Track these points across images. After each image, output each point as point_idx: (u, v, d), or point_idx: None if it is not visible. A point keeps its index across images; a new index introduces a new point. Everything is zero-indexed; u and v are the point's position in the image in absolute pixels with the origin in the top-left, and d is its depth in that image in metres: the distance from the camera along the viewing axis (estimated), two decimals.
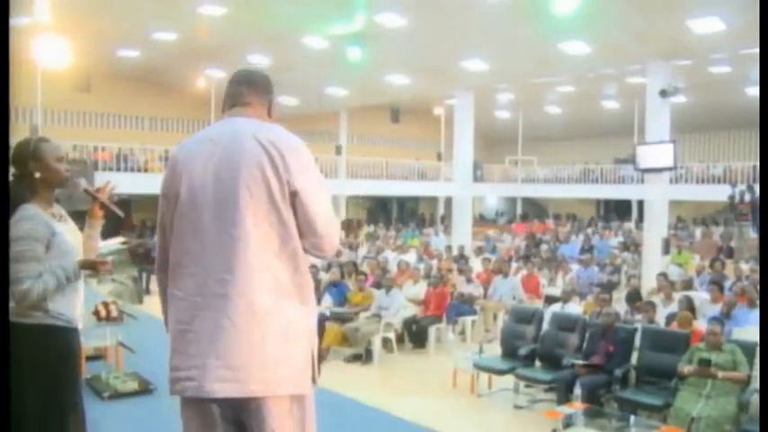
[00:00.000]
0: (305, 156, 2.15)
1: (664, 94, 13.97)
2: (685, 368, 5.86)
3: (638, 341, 6.71)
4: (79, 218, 3.10)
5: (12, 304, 2.71)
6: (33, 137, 2.97)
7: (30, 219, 2.75)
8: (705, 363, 5.73)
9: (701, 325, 7.11)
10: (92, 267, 2.90)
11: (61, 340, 2.83)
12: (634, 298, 8.86)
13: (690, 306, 7.87)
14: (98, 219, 3.11)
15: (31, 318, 2.77)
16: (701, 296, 9.41)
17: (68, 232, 2.92)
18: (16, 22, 13.51)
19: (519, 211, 28.41)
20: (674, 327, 7.28)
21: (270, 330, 2.03)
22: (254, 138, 2.08)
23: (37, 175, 2.83)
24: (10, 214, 2.76)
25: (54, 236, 2.80)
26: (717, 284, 9.31)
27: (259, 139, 2.08)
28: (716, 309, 8.16)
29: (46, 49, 13.17)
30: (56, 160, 2.88)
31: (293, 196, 2.06)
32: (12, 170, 2.87)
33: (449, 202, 21.99)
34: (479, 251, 16.66)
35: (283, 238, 2.07)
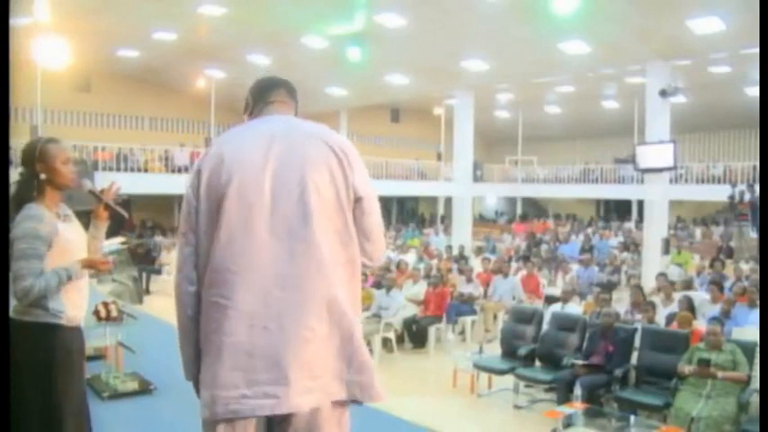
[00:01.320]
0: (360, 159, 2.11)
1: (664, 93, 13.98)
2: (685, 368, 5.86)
3: (637, 341, 6.70)
4: (81, 217, 3.11)
5: (14, 302, 2.73)
6: (41, 138, 2.99)
7: (33, 217, 2.77)
8: (705, 363, 5.72)
9: (700, 325, 7.11)
10: (93, 266, 2.92)
11: (60, 338, 2.84)
12: (639, 295, 8.74)
13: (690, 306, 7.87)
14: (103, 220, 3.13)
15: (30, 315, 2.79)
16: (700, 296, 9.40)
17: (72, 232, 2.95)
18: (16, 22, 13.52)
19: (519, 211, 28.40)
20: (674, 327, 7.28)
21: (346, 334, 1.96)
22: (321, 138, 2.01)
23: (43, 176, 2.85)
24: (16, 213, 2.78)
25: (57, 234, 2.82)
26: (717, 284, 9.31)
27: (325, 139, 2.01)
28: (716, 309, 8.17)
29: (46, 50, 13.16)
30: (62, 162, 2.90)
31: (356, 202, 2.02)
32: (19, 170, 2.90)
33: (449, 201, 21.99)
34: (479, 251, 16.66)
35: (345, 244, 1.99)
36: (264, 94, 2.20)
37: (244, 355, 1.86)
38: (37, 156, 2.86)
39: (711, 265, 12.45)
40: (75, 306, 2.93)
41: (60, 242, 2.82)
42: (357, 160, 2.05)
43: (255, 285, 1.88)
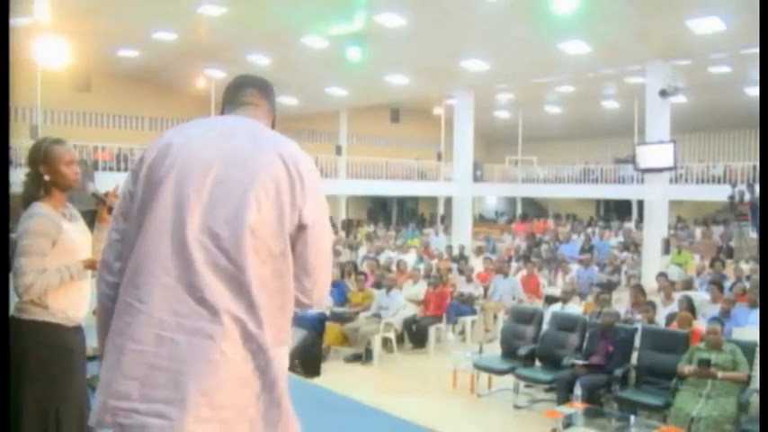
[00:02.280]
0: (318, 184, 1.83)
1: (663, 94, 13.98)
2: (685, 368, 5.86)
3: (637, 341, 6.70)
4: (85, 216, 3.14)
5: (14, 300, 2.75)
6: (47, 139, 3.01)
7: (37, 215, 2.80)
8: (705, 363, 5.73)
9: (700, 325, 7.10)
10: (95, 266, 2.93)
11: (60, 337, 2.85)
12: (639, 294, 8.74)
13: (689, 306, 7.86)
14: (106, 222, 3.16)
15: (28, 314, 2.81)
16: (700, 296, 9.40)
17: (77, 231, 2.97)
18: (16, 22, 13.52)
19: (519, 211, 28.40)
20: (674, 327, 7.28)
21: (252, 368, 1.68)
22: (275, 149, 1.77)
23: (47, 177, 2.88)
24: (23, 211, 2.82)
25: (61, 233, 2.84)
26: (717, 284, 9.31)
27: (281, 152, 1.76)
28: (716, 309, 8.16)
29: (46, 50, 13.17)
30: (66, 164, 2.91)
31: (300, 230, 1.75)
32: (26, 170, 2.94)
33: (449, 202, 21.99)
34: (479, 251, 16.67)
35: (278, 271, 1.74)
36: (234, 95, 2.04)
37: (144, 366, 1.64)
38: (41, 157, 2.89)
39: (711, 266, 12.46)
40: (76, 305, 2.94)
41: (64, 241, 2.85)
42: (312, 185, 1.78)
43: (169, 292, 1.67)
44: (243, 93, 2.03)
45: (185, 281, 1.66)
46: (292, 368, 7.28)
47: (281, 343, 1.79)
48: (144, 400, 1.63)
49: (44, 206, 2.84)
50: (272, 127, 2.04)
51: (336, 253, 14.61)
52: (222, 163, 1.73)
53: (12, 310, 2.81)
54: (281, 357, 1.76)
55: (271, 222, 1.71)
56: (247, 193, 1.69)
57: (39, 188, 2.88)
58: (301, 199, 1.74)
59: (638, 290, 8.88)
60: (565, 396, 6.33)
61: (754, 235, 14.47)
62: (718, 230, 20.29)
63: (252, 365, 1.68)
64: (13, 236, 2.82)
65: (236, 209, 1.68)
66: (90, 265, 2.92)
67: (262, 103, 2.04)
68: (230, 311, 1.65)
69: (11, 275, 2.73)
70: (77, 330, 2.97)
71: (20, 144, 16.32)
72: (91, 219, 3.15)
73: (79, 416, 2.92)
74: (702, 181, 20.75)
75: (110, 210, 3.11)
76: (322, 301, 2.26)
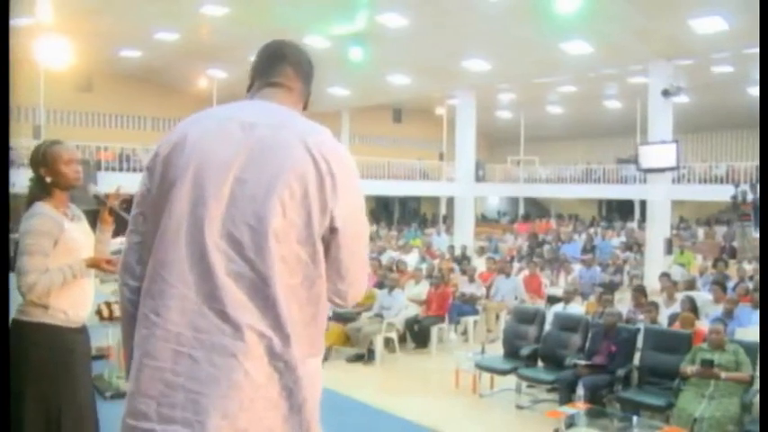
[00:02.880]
0: (354, 176, 1.64)
1: (666, 93, 13.97)
2: (688, 368, 5.85)
3: (640, 341, 6.69)
4: (87, 216, 3.15)
5: (17, 302, 2.75)
6: (46, 141, 3.04)
7: (39, 215, 2.82)
8: (708, 363, 5.71)
9: (703, 325, 7.09)
10: (98, 266, 2.95)
11: (60, 339, 2.85)
12: (640, 294, 8.72)
13: (692, 306, 7.85)
14: (108, 224, 3.20)
15: (29, 316, 2.81)
16: (703, 296, 9.39)
17: (79, 231, 2.99)
18: (19, 22, 13.56)
19: (521, 211, 28.38)
20: (677, 327, 7.27)
21: (279, 389, 1.54)
22: (303, 141, 1.56)
23: (48, 179, 2.90)
24: (24, 212, 2.85)
25: (63, 233, 2.85)
26: (720, 285, 9.29)
27: (308, 144, 1.55)
28: (719, 309, 8.15)
29: (48, 50, 13.20)
30: (65, 163, 2.93)
31: (332, 232, 1.58)
32: (30, 174, 2.96)
33: (451, 202, 22.00)
34: (481, 251, 16.66)
35: (310, 278, 1.57)
36: (265, 69, 1.80)
37: (162, 384, 1.51)
38: (41, 159, 2.92)
39: (714, 266, 12.45)
40: (78, 305, 2.94)
41: (66, 240, 2.86)
42: (345, 180, 1.57)
43: (186, 305, 1.52)
44: (275, 70, 1.79)
45: (205, 292, 1.51)
46: None
47: (314, 355, 1.63)
48: (161, 420, 1.50)
49: (46, 206, 2.86)
50: (305, 108, 1.83)
51: None
52: (243, 160, 1.54)
53: (14, 312, 2.81)
54: (312, 372, 1.60)
55: (298, 227, 1.53)
56: (270, 194, 1.50)
57: (41, 190, 2.90)
58: (332, 199, 1.55)
59: (640, 291, 8.86)
60: (567, 396, 6.32)
61: (756, 235, 14.45)
62: (720, 230, 20.28)
63: (279, 386, 1.53)
64: (14, 236, 2.82)
65: (259, 213, 1.50)
66: (92, 263, 2.93)
67: (296, 86, 1.80)
68: (254, 327, 1.50)
69: (11, 275, 2.72)
70: (80, 331, 2.97)
71: (22, 144, 16.39)
72: (93, 220, 3.16)
73: (81, 417, 2.92)
74: (705, 181, 20.72)
75: (110, 211, 3.14)
76: (356, 302, 1.84)
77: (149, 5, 14.34)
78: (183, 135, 1.63)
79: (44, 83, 15.12)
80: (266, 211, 1.50)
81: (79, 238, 2.96)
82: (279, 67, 1.78)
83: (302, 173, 1.52)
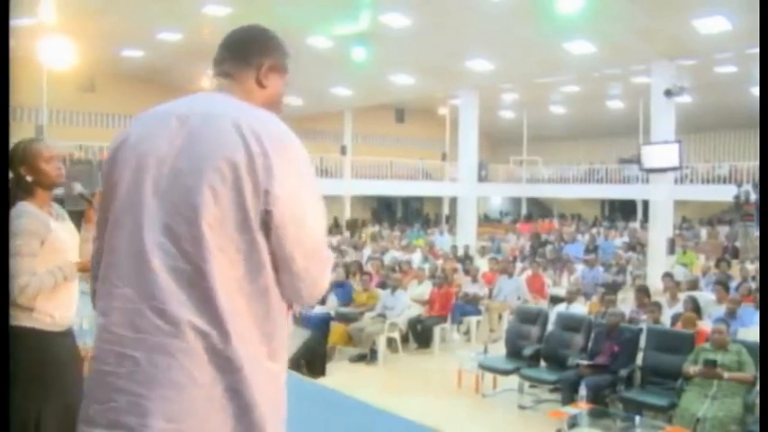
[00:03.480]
0: (296, 157, 1.51)
1: (669, 93, 13.95)
2: (691, 368, 5.85)
3: (643, 341, 6.69)
4: (74, 218, 3.10)
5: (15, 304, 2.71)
6: (24, 139, 2.95)
7: (25, 214, 2.75)
8: (711, 363, 5.71)
9: (706, 325, 7.08)
10: (88, 269, 2.89)
11: (46, 343, 2.77)
12: (643, 294, 8.71)
13: (695, 306, 7.85)
14: (92, 223, 3.05)
15: (14, 320, 2.70)
16: (706, 296, 9.38)
17: (65, 231, 2.91)
18: (21, 22, 13.58)
19: (524, 211, 28.36)
20: (679, 327, 7.26)
21: (222, 389, 1.43)
22: (235, 125, 1.47)
23: (29, 178, 2.83)
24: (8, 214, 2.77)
25: (50, 232, 2.79)
26: (722, 285, 9.28)
27: (241, 127, 1.47)
28: (721, 309, 8.14)
29: (51, 50, 13.21)
30: (45, 161, 2.85)
31: (268, 213, 1.45)
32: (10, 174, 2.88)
33: (453, 202, 21.99)
34: (484, 251, 16.65)
35: (253, 269, 1.46)
36: (214, 63, 1.72)
37: (108, 388, 1.45)
38: (20, 157, 2.84)
39: (717, 266, 12.43)
40: (64, 307, 2.87)
41: (52, 240, 2.80)
42: (281, 161, 1.46)
43: (128, 304, 1.46)
44: (218, 59, 1.71)
45: (145, 291, 1.44)
46: (297, 368, 7.28)
47: (273, 360, 1.50)
48: (109, 426, 1.43)
49: (30, 205, 2.79)
50: (259, 82, 1.70)
51: (342, 253, 14.62)
52: (176, 152, 1.48)
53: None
54: (267, 378, 1.48)
55: (232, 213, 1.44)
56: (201, 182, 1.43)
57: (22, 190, 2.82)
58: (266, 179, 1.43)
59: (643, 291, 8.86)
60: (570, 396, 6.32)
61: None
62: (723, 231, 20.25)
63: (222, 386, 1.43)
64: None
65: (191, 202, 1.43)
66: (84, 267, 2.84)
67: (240, 76, 1.68)
68: (194, 324, 1.41)
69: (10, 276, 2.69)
70: (66, 335, 2.89)
71: None
72: (78, 220, 3.11)
73: (69, 421, 2.88)
74: (708, 181, 20.69)
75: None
76: (316, 298, 1.67)
77: (152, 6, 14.35)
78: (127, 134, 1.58)
79: (47, 83, 15.14)
80: (197, 199, 1.42)
81: (66, 238, 2.89)
82: (220, 55, 1.72)
83: (231, 155, 1.43)
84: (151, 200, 1.47)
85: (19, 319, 2.72)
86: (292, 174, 1.47)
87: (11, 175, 2.86)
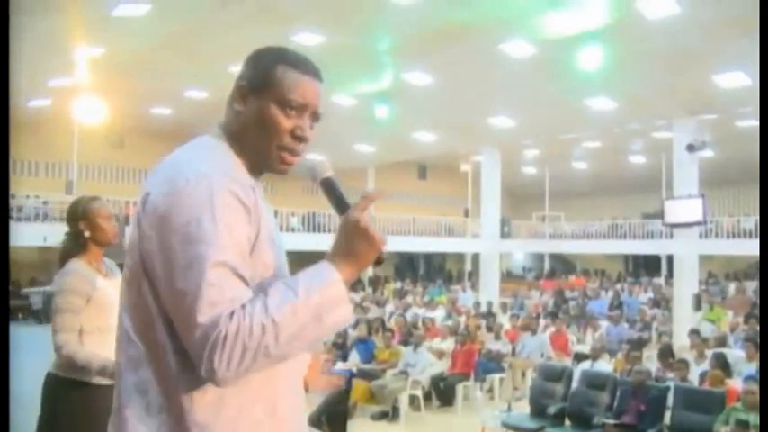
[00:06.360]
0: (178, 199, 1.28)
1: (691, 148, 13.97)
2: (722, 429, 5.71)
3: (670, 400, 6.56)
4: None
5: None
6: (85, 197, 3.13)
7: (71, 273, 2.89)
8: (743, 424, 5.57)
9: (736, 383, 6.93)
10: None
11: (91, 396, 2.81)
12: (666, 354, 8.65)
13: (722, 364, 7.69)
14: None
15: (61, 370, 2.85)
16: (735, 354, 9.19)
17: (112, 287, 2.98)
18: (58, 82, 14.06)
19: (546, 266, 28.16)
20: (707, 385, 7.11)
21: None
22: (142, 200, 1.38)
23: (86, 234, 2.98)
24: (58, 268, 2.92)
25: (95, 290, 2.90)
26: (752, 341, 9.09)
27: (148, 177, 1.42)
28: (752, 367, 7.96)
29: (84, 108, 13.62)
30: (103, 219, 3.02)
31: (142, 264, 1.33)
32: (67, 228, 3.05)
33: (476, 258, 21.92)
34: (506, 307, 16.51)
35: (142, 321, 1.35)
36: None
37: None
38: (80, 214, 2.99)
39: (746, 322, 12.19)
40: (110, 361, 2.93)
41: (98, 297, 2.90)
42: (157, 197, 1.31)
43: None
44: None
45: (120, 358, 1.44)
46: (318, 425, 7.21)
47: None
48: None
49: (79, 262, 2.93)
50: (265, 125, 1.44)
51: (364, 309, 14.59)
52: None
53: (50, 365, 2.88)
54: None
55: (133, 265, 1.36)
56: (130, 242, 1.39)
57: (77, 245, 2.97)
58: (142, 213, 1.34)
59: (667, 350, 8.72)
60: None
61: None
62: (751, 285, 19.90)
63: None
64: (49, 288, 2.91)
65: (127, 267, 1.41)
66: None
67: (228, 103, 1.51)
68: (119, 384, 1.45)
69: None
70: (111, 388, 2.94)
71: (57, 199, 16.73)
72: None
73: None
74: (733, 235, 20.44)
75: None
76: (224, 374, 1.19)
77: (181, 66, 14.76)
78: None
79: (78, 140, 15.53)
80: (128, 262, 1.38)
81: (112, 294, 2.94)
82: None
83: (138, 208, 1.36)
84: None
85: (65, 371, 2.83)
86: (166, 210, 1.29)
87: (67, 229, 3.01)
